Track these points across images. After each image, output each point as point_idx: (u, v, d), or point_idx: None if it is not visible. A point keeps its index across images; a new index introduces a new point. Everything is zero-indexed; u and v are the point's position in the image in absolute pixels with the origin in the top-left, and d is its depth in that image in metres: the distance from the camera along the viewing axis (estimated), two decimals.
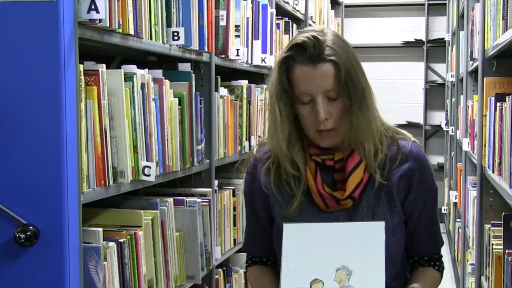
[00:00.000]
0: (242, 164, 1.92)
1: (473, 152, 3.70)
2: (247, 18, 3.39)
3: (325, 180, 1.73)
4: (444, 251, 1.77)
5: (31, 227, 1.81)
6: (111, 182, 2.05)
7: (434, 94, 7.65)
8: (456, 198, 5.13)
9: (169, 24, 2.46)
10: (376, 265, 1.57)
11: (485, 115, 3.14)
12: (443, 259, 1.86)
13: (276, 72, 1.69)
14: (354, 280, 1.56)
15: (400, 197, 1.74)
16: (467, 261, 4.17)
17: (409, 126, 7.44)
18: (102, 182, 2.00)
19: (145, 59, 2.81)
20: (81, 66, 1.89)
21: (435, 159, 7.55)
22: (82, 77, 1.90)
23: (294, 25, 4.57)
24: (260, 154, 1.84)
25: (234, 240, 3.27)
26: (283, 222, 1.69)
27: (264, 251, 1.87)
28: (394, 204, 1.73)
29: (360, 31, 7.67)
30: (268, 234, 1.83)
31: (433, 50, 7.62)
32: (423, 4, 7.60)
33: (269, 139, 1.77)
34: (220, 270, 3.16)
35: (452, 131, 5.87)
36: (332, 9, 6.49)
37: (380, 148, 1.73)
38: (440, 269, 1.83)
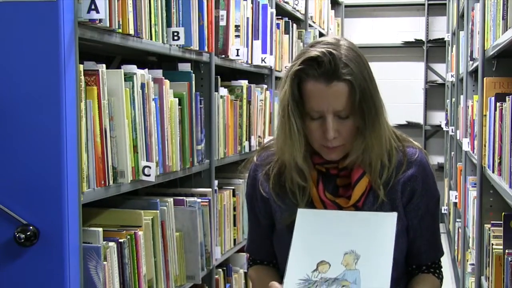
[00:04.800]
0: (244, 168, 1.91)
1: (473, 152, 3.70)
2: (247, 18, 3.39)
3: (327, 187, 1.72)
4: (444, 251, 1.76)
5: (31, 227, 1.81)
6: (111, 182, 2.05)
7: (434, 94, 7.65)
8: (456, 198, 5.13)
9: (169, 24, 2.46)
10: (384, 253, 1.57)
11: (485, 115, 3.14)
12: (442, 268, 1.85)
13: (289, 85, 1.63)
14: (361, 264, 1.56)
15: (403, 202, 1.74)
16: (467, 261, 4.17)
17: (409, 126, 7.44)
18: (102, 182, 2.00)
19: (145, 59, 2.81)
20: (81, 66, 1.89)
21: (435, 159, 7.54)
22: (82, 77, 1.90)
23: (294, 25, 4.57)
24: (260, 160, 1.82)
25: (234, 240, 3.27)
26: (285, 231, 1.69)
27: (266, 255, 1.86)
28: (397, 210, 1.71)
29: (360, 31, 7.67)
30: (270, 238, 1.83)
31: (433, 50, 7.62)
32: (423, 4, 7.60)
33: (279, 149, 1.72)
34: (220, 270, 3.15)
35: (452, 131, 5.87)
36: (332, 9, 6.49)
37: (388, 166, 1.71)
38: (440, 277, 1.82)
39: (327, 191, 1.71)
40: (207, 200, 2.76)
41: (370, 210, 1.71)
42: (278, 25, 4.08)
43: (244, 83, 3.35)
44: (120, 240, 2.10)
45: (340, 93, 1.59)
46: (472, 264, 3.62)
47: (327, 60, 1.58)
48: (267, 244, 1.83)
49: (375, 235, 1.60)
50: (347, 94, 1.59)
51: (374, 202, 1.71)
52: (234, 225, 3.26)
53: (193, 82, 2.67)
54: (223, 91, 3.11)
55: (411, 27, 7.71)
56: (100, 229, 2.00)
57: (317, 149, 1.69)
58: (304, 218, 1.64)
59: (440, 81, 7.60)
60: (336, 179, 1.73)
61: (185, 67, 2.69)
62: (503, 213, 2.62)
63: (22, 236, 1.79)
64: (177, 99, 2.52)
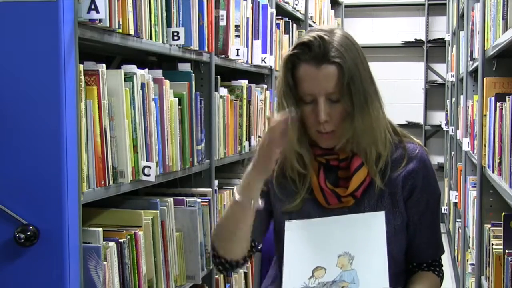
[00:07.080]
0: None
1: (473, 152, 3.70)
2: (247, 18, 3.39)
3: (328, 177, 1.74)
4: (445, 250, 1.78)
5: (31, 227, 1.81)
6: (111, 182, 2.05)
7: (434, 94, 7.65)
8: (456, 198, 5.13)
9: (169, 24, 2.46)
10: (378, 251, 1.58)
11: (485, 115, 3.14)
12: (443, 267, 1.86)
13: (282, 70, 1.70)
14: (357, 264, 1.58)
15: (404, 197, 1.74)
16: (467, 261, 4.17)
17: (409, 126, 7.44)
18: (102, 182, 2.00)
19: (145, 59, 2.81)
20: (81, 66, 1.89)
21: (435, 159, 7.54)
22: (82, 77, 1.90)
23: (294, 25, 4.57)
24: None
25: None
26: (285, 218, 1.69)
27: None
28: (397, 205, 1.73)
29: (360, 31, 7.66)
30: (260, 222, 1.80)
31: (433, 50, 7.62)
32: (423, 4, 7.59)
33: None
34: None
35: (452, 131, 5.87)
36: (332, 9, 6.49)
37: (384, 155, 1.73)
38: (440, 275, 1.82)
39: (328, 181, 1.72)
40: (207, 200, 2.76)
41: (370, 202, 1.72)
42: (278, 25, 4.08)
43: (244, 83, 3.35)
44: (120, 240, 2.10)
45: (330, 75, 1.64)
46: (472, 264, 3.62)
47: (317, 44, 1.64)
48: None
49: (365, 235, 1.61)
50: (337, 76, 1.63)
51: (374, 195, 1.72)
52: None
53: (193, 82, 2.67)
54: (223, 91, 3.11)
55: (411, 27, 7.71)
56: (100, 229, 2.00)
57: (313, 136, 1.71)
58: (293, 229, 1.66)
59: (440, 81, 7.59)
60: (337, 171, 1.75)
61: (185, 67, 2.69)
62: (503, 213, 2.62)
63: (22, 236, 1.79)
64: (177, 99, 2.52)
